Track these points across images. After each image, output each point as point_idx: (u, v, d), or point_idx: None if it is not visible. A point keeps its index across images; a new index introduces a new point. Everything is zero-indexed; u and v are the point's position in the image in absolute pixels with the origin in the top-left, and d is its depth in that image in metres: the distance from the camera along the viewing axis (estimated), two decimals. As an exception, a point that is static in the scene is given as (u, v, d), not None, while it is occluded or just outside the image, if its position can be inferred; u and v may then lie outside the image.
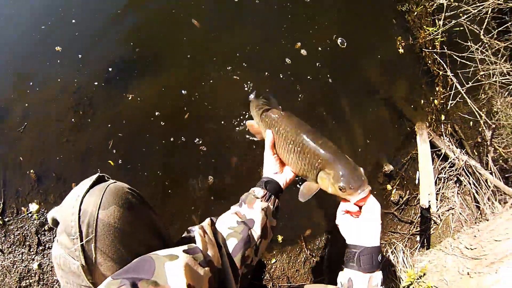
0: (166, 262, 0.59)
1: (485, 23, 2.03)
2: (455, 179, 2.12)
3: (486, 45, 2.01)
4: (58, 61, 1.56)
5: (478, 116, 2.01)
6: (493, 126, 1.89)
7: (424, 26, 2.22)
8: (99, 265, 0.67)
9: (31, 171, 1.47)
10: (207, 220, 0.84)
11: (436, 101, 2.22)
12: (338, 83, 1.91)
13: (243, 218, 0.89)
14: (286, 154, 1.02)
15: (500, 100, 2.11)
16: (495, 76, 1.95)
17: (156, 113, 1.59)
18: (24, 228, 1.46)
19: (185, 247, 0.68)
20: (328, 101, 1.87)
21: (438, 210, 2.09)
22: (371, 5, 2.18)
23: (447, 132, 2.21)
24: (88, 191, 0.71)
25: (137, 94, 1.59)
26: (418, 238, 2.03)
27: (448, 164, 2.09)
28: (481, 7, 1.92)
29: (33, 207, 1.46)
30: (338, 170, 0.89)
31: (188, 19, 1.74)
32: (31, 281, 1.44)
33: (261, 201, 0.94)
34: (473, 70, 2.04)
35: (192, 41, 1.72)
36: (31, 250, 1.46)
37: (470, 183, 2.10)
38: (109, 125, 1.56)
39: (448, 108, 2.18)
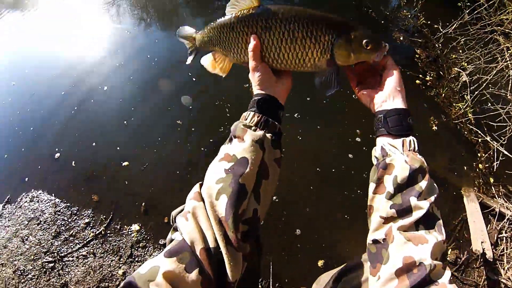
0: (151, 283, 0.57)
1: (510, 85, 2.31)
2: (521, 237, 2.02)
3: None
4: (178, 129, 2.30)
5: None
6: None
7: (454, 104, 2.58)
8: None
9: (143, 203, 1.99)
10: (195, 189, 0.73)
11: (480, 165, 2.33)
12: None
13: (232, 161, 0.72)
14: (287, 43, 0.83)
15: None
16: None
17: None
18: (121, 241, 1.88)
19: (168, 247, 0.63)
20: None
21: (506, 272, 1.94)
22: (407, 96, 2.65)
23: (500, 194, 2.22)
24: None
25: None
26: (490, 304, 1.85)
27: (507, 222, 2.04)
28: (495, 72, 2.27)
29: (135, 227, 1.92)
30: (358, 30, 0.81)
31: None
32: (110, 284, 1.74)
33: (255, 130, 0.76)
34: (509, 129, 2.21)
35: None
36: (120, 260, 1.83)
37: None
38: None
39: (495, 170, 2.27)
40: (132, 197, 2.02)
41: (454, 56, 2.74)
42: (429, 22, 2.95)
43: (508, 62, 2.33)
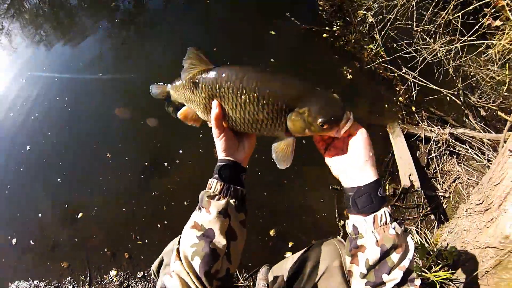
0: None
1: (415, 16, 2.46)
2: (448, 152, 2.30)
3: (420, 33, 2.39)
4: (110, 161, 2.29)
5: (443, 90, 2.32)
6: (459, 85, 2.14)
7: (365, 46, 2.70)
8: None
9: (107, 249, 2.06)
10: (176, 246, 0.83)
11: (401, 98, 2.54)
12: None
13: (202, 230, 0.80)
14: (240, 114, 0.81)
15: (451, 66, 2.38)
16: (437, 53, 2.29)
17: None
18: (107, 289, 2.00)
19: None
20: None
21: (442, 185, 2.24)
22: (316, 53, 2.71)
23: (423, 118, 2.47)
24: None
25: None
26: (433, 217, 2.15)
27: (434, 143, 2.30)
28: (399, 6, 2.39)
29: (113, 273, 2.01)
30: (313, 104, 0.75)
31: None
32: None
33: (219, 199, 0.83)
34: (421, 57, 2.38)
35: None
36: (116, 305, 1.96)
37: (468, 149, 2.27)
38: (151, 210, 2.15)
39: (415, 98, 2.48)
40: (96, 247, 2.07)
41: (358, -1, 2.80)
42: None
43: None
